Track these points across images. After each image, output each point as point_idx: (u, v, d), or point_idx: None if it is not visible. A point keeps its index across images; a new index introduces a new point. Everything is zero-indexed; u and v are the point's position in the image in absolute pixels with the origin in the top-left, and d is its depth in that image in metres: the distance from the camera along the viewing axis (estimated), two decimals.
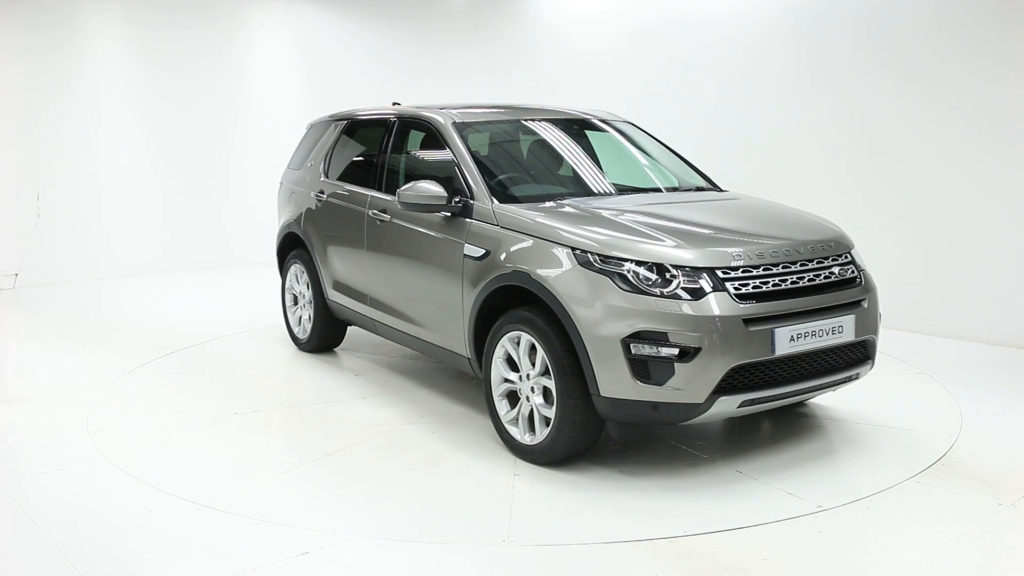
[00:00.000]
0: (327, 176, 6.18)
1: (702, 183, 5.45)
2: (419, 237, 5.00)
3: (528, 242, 4.26)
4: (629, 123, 5.84)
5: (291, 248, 6.56)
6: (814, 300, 4.08)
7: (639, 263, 3.90)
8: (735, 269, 3.92)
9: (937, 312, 7.03)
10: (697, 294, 3.83)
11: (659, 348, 3.79)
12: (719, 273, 3.89)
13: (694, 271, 3.88)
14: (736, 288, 3.89)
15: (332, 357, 6.34)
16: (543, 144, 5.45)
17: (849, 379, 4.34)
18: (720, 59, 8.50)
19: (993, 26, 6.63)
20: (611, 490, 3.98)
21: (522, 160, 5.39)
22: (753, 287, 3.93)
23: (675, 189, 5.30)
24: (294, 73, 11.06)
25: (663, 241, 4.02)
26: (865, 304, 4.28)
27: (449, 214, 4.73)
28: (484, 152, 5.16)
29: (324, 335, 6.29)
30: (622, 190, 5.09)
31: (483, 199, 4.64)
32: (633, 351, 3.81)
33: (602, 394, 3.90)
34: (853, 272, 4.33)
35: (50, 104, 9.31)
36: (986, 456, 4.39)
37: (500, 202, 4.60)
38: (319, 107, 11.08)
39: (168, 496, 3.92)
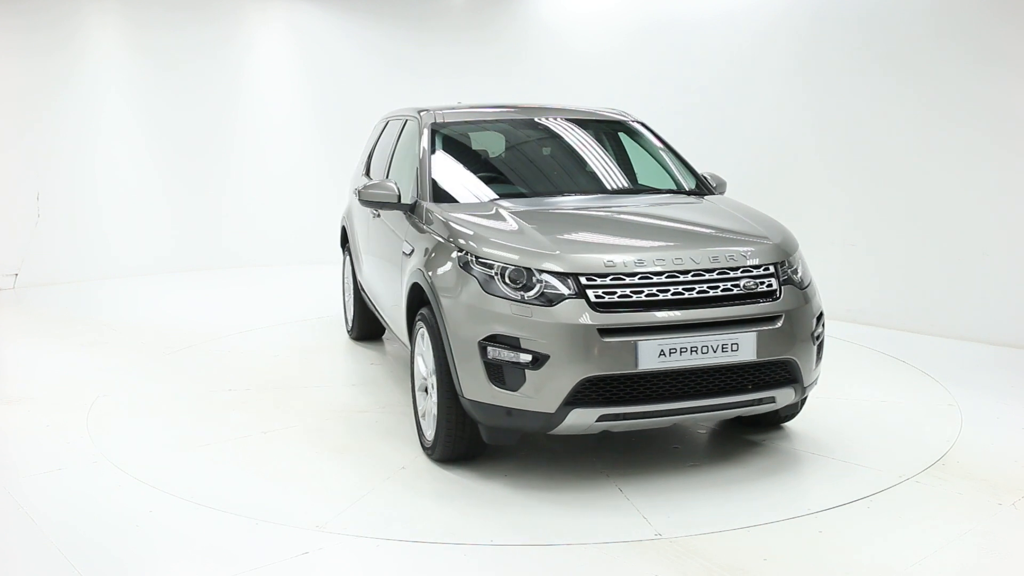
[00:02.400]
0: (366, 173, 6.49)
1: (685, 184, 5.17)
2: (388, 234, 5.19)
3: (435, 242, 4.31)
4: (636, 121, 5.65)
5: (344, 241, 6.92)
6: (694, 313, 3.77)
7: (507, 266, 3.86)
8: (603, 276, 3.74)
9: (937, 312, 7.03)
10: (554, 301, 3.73)
11: (512, 353, 3.73)
12: (583, 280, 3.74)
13: (559, 277, 3.76)
14: (599, 296, 3.72)
15: (361, 349, 6.52)
16: (520, 143, 5.46)
17: (760, 402, 3.95)
18: (719, 58, 8.50)
19: (992, 26, 6.63)
20: (611, 490, 3.98)
21: (491, 160, 5.41)
22: (620, 296, 3.73)
23: (641, 191, 5.13)
24: (294, 73, 11.05)
25: (539, 246, 3.92)
26: (779, 322, 3.89)
27: (403, 212, 4.86)
28: (457, 151, 5.21)
29: (362, 324, 6.59)
30: (583, 191, 4.98)
31: (425, 198, 4.72)
32: (489, 354, 3.78)
33: (465, 395, 3.90)
34: (770, 286, 3.94)
35: (50, 104, 9.31)
36: (986, 456, 4.39)
37: (439, 201, 4.67)
38: (319, 106, 11.10)
39: (168, 496, 3.92)
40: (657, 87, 8.95)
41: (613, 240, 4.14)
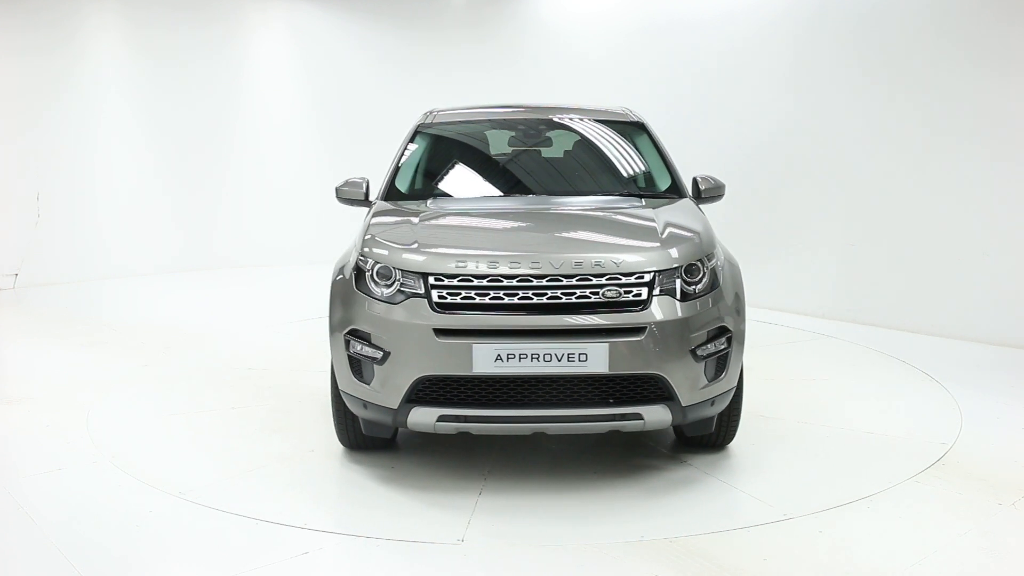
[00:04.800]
0: None
1: (660, 186, 4.98)
2: None
3: (354, 239, 4.40)
4: (628, 121, 5.49)
5: None
6: (537, 320, 3.65)
7: (376, 264, 3.95)
8: (452, 277, 3.73)
9: (937, 312, 7.03)
10: (402, 299, 3.79)
11: (365, 348, 3.84)
12: (431, 280, 3.76)
13: (412, 276, 3.81)
14: (441, 297, 3.72)
15: None
16: (502, 143, 5.46)
17: (623, 418, 3.73)
18: (717, 58, 8.50)
19: (991, 27, 6.63)
20: (611, 490, 3.98)
21: (460, 159, 5.42)
22: (463, 298, 3.71)
23: (596, 192, 4.92)
24: (294, 72, 11.06)
25: (407, 245, 3.96)
26: (642, 335, 3.66)
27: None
28: (433, 151, 5.30)
29: None
30: (534, 191, 4.94)
31: (381, 196, 4.88)
32: (351, 348, 3.91)
33: (340, 387, 4.04)
34: (638, 296, 3.72)
35: (50, 104, 9.32)
36: (986, 456, 4.39)
37: (389, 199, 4.81)
38: (319, 106, 11.11)
39: (168, 496, 3.92)
40: (657, 87, 8.95)
41: (487, 243, 4.08)
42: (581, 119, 5.51)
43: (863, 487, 3.99)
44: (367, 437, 4.30)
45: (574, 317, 3.66)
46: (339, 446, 4.52)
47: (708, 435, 4.32)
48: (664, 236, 4.02)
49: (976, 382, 5.64)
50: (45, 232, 9.33)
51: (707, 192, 5.01)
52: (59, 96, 9.36)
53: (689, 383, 3.77)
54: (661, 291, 3.76)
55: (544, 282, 3.69)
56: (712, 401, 3.91)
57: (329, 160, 10.78)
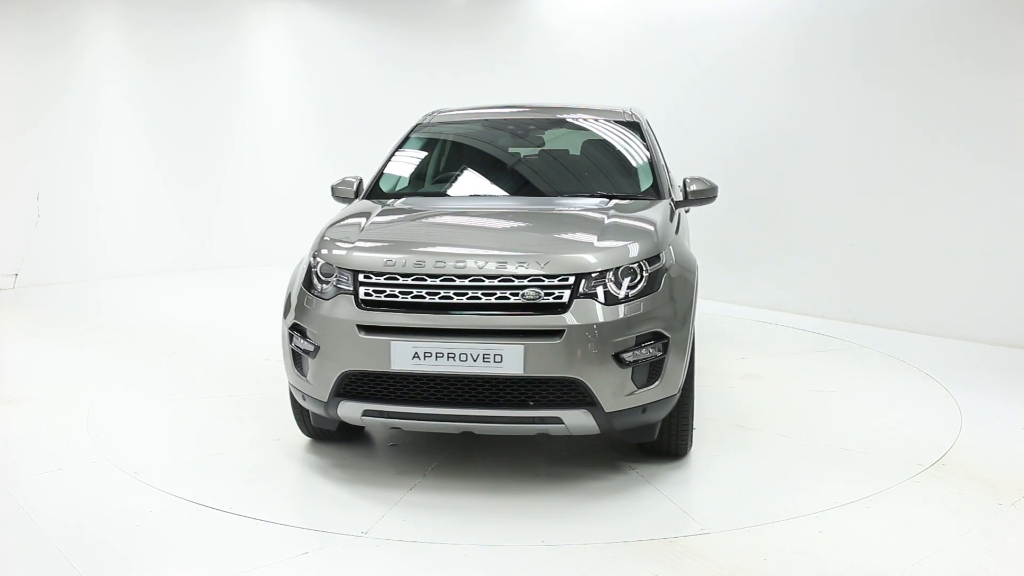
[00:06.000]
0: None
1: (641, 187, 4.89)
2: None
3: None
4: (620, 121, 5.40)
5: None
6: (454, 319, 3.66)
7: (319, 261, 4.06)
8: (379, 275, 3.80)
9: (937, 312, 7.03)
10: (333, 296, 3.89)
11: (302, 341, 3.97)
12: (360, 277, 3.84)
13: (345, 273, 3.90)
14: (367, 294, 3.80)
15: None
16: (492, 143, 5.49)
17: (544, 421, 3.70)
18: (716, 58, 8.50)
19: (990, 28, 6.64)
20: (611, 491, 3.98)
21: (447, 159, 5.47)
22: (387, 295, 3.77)
23: (567, 194, 4.88)
24: (294, 72, 11.06)
25: (348, 243, 4.06)
26: (560, 338, 3.61)
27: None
28: (425, 151, 5.40)
29: None
30: (504, 192, 5.02)
31: (366, 194, 5.06)
32: (292, 341, 4.03)
33: (288, 380, 4.18)
34: (558, 299, 3.67)
35: (50, 104, 9.32)
36: (986, 456, 4.39)
37: (370, 197, 5.00)
38: (319, 106, 11.11)
39: (168, 496, 3.92)
40: (656, 87, 8.95)
41: (421, 242, 4.11)
42: (575, 119, 5.48)
43: (863, 487, 3.99)
44: (316, 428, 4.40)
45: (489, 318, 3.66)
46: (340, 446, 4.52)
47: (657, 443, 4.17)
48: (602, 239, 3.96)
49: (976, 382, 5.64)
50: (45, 232, 9.33)
51: (694, 195, 4.90)
52: (59, 96, 9.36)
53: (612, 389, 3.68)
54: (585, 294, 3.70)
55: (467, 282, 3.71)
56: (644, 408, 3.79)
57: (329, 160, 10.77)
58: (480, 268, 3.72)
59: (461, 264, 3.74)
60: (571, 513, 3.76)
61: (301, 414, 4.40)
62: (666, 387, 3.85)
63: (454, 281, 3.72)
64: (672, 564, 3.30)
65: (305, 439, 4.63)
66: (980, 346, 6.61)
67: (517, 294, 3.67)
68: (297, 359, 4.03)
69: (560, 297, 3.67)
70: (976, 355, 6.40)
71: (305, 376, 3.97)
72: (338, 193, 5.15)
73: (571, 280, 3.70)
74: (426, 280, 3.74)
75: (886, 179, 7.35)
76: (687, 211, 5.62)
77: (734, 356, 6.34)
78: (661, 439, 4.16)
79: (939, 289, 7.05)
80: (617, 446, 4.49)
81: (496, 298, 3.67)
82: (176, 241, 10.23)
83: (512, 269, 3.70)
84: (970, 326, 6.80)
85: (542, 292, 3.67)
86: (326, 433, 4.43)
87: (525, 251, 3.83)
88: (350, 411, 3.86)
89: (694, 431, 4.64)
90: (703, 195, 4.93)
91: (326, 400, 3.88)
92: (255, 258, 10.56)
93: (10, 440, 4.74)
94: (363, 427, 4.45)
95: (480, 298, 3.68)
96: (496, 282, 3.69)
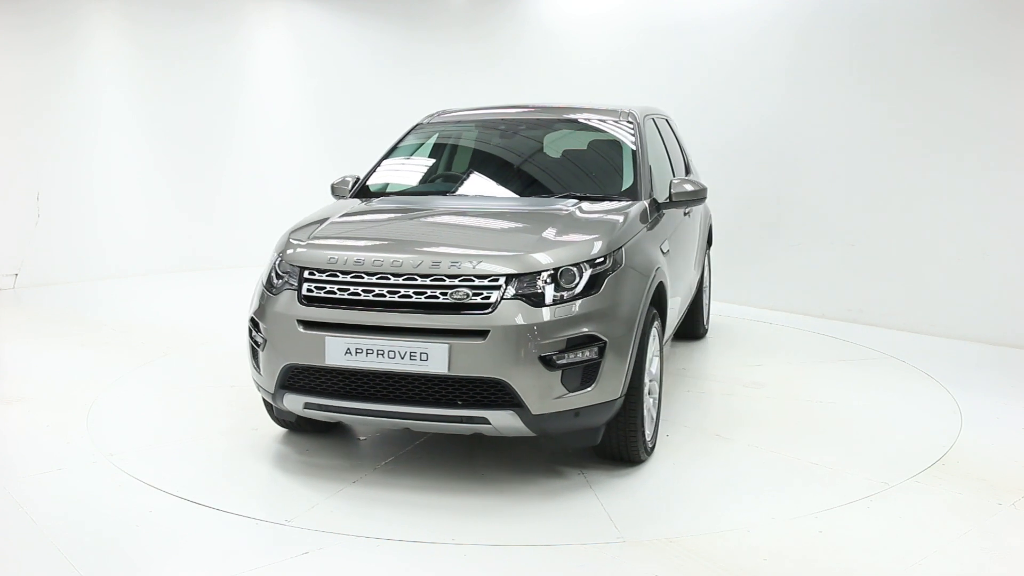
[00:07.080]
0: None
1: (605, 190, 4.81)
2: None
3: None
4: (621, 122, 5.30)
5: None
6: (383, 317, 3.73)
7: (277, 259, 4.19)
8: (322, 272, 3.92)
9: (937, 312, 7.03)
10: (280, 291, 4.02)
11: (255, 335, 4.12)
12: (305, 274, 3.97)
13: (293, 269, 4.03)
14: (309, 290, 3.92)
15: None
16: (485, 143, 5.50)
17: (471, 420, 3.71)
18: (716, 58, 8.50)
19: (990, 28, 6.64)
20: (611, 491, 3.98)
21: (438, 159, 5.53)
22: (327, 292, 3.89)
23: (545, 194, 4.86)
24: (294, 72, 11.06)
25: (301, 241, 4.19)
26: (484, 338, 3.62)
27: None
28: (419, 150, 5.50)
29: None
30: (480, 193, 5.03)
31: (357, 193, 5.18)
32: (251, 335, 4.18)
33: (251, 371, 4.30)
34: (486, 298, 3.68)
35: (50, 103, 9.30)
36: (986, 456, 4.39)
37: (358, 196, 5.11)
38: (319, 106, 11.11)
39: (168, 496, 3.92)
40: (656, 87, 8.94)
41: (366, 241, 4.22)
42: (562, 120, 5.43)
43: (863, 487, 3.99)
44: (278, 419, 4.51)
45: (417, 316, 3.72)
46: (340, 446, 4.52)
47: (607, 448, 4.12)
48: (542, 240, 3.94)
49: (976, 382, 5.64)
50: (45, 232, 9.32)
51: (678, 197, 4.79)
52: (59, 95, 9.34)
53: (539, 391, 3.65)
54: (516, 295, 3.70)
55: (401, 280, 3.79)
56: (576, 412, 3.74)
57: (329, 159, 10.77)
58: (415, 267, 3.79)
59: (398, 263, 3.83)
60: (572, 513, 3.75)
61: (267, 406, 4.49)
62: (603, 391, 3.79)
63: (390, 280, 3.80)
64: (672, 564, 3.30)
65: (305, 437, 4.63)
66: (980, 346, 6.61)
67: (447, 294, 3.72)
68: (253, 352, 4.18)
69: (488, 297, 3.69)
70: (976, 355, 6.40)
71: (258, 369, 4.12)
72: (337, 192, 5.23)
73: (500, 281, 3.71)
74: (364, 278, 3.85)
75: (886, 179, 7.35)
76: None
77: (734, 359, 6.34)
78: (610, 444, 4.10)
79: (939, 289, 7.05)
80: (577, 450, 4.37)
81: (427, 297, 3.74)
82: (176, 241, 10.22)
83: (444, 269, 3.75)
84: (970, 326, 6.81)
85: (470, 292, 3.71)
86: (291, 425, 4.56)
87: (462, 251, 3.87)
88: (293, 404, 3.99)
89: (666, 437, 4.56)
90: (686, 197, 4.80)
91: (273, 392, 4.02)
92: (255, 258, 10.53)
93: (10, 440, 4.74)
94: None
95: (412, 297, 3.76)
96: (428, 281, 3.75)
